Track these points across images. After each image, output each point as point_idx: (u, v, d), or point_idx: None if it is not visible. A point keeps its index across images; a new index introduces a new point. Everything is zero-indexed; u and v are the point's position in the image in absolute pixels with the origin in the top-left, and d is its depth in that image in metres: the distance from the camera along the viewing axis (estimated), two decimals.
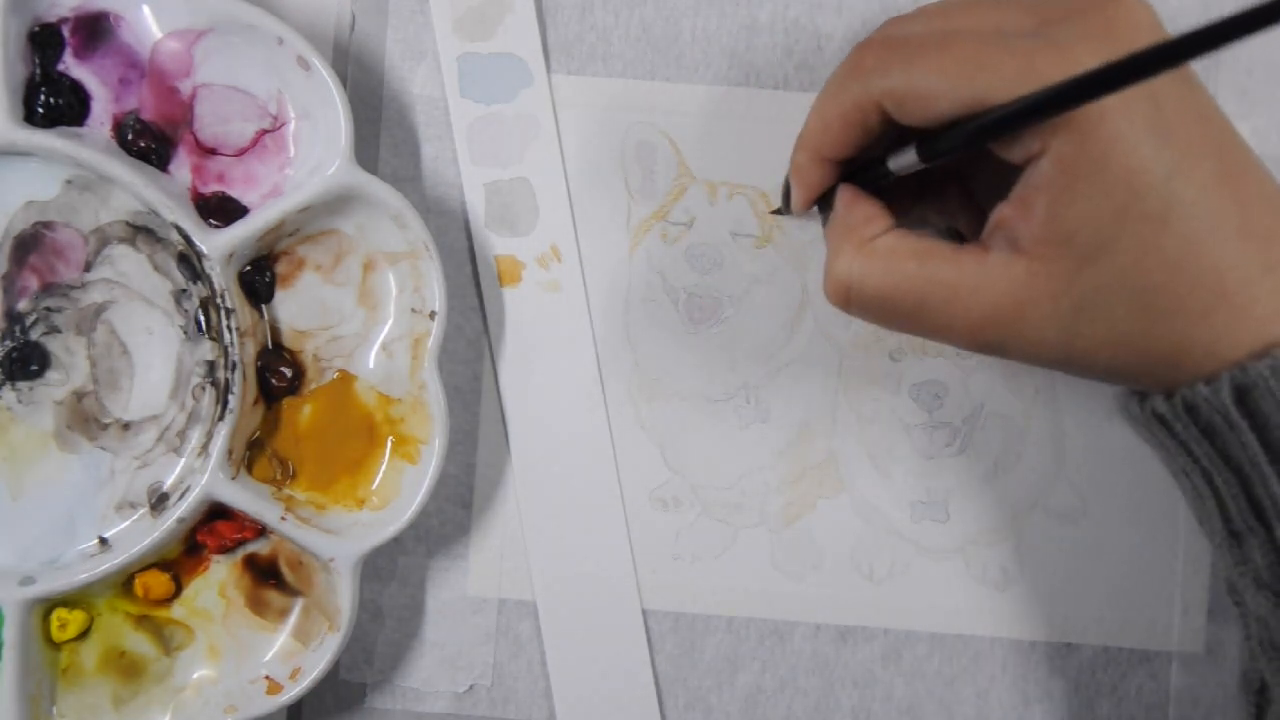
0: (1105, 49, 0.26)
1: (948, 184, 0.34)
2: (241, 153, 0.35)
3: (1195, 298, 0.28)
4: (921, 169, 0.30)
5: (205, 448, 0.35)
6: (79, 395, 0.35)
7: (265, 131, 0.35)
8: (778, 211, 0.37)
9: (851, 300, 0.30)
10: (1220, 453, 0.29)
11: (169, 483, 0.35)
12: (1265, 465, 0.28)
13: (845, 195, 0.32)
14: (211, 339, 0.35)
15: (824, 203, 0.33)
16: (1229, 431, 0.29)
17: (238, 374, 0.34)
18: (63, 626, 0.35)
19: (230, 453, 0.34)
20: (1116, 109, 0.27)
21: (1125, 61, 0.23)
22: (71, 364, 0.35)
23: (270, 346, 0.36)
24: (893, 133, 0.30)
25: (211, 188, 0.35)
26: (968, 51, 0.27)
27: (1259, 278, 0.28)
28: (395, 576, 0.38)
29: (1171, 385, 0.29)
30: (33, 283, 0.35)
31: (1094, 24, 0.27)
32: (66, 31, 0.34)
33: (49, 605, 0.35)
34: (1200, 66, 0.37)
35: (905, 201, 0.34)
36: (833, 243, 0.31)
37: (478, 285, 0.38)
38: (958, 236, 0.34)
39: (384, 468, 0.36)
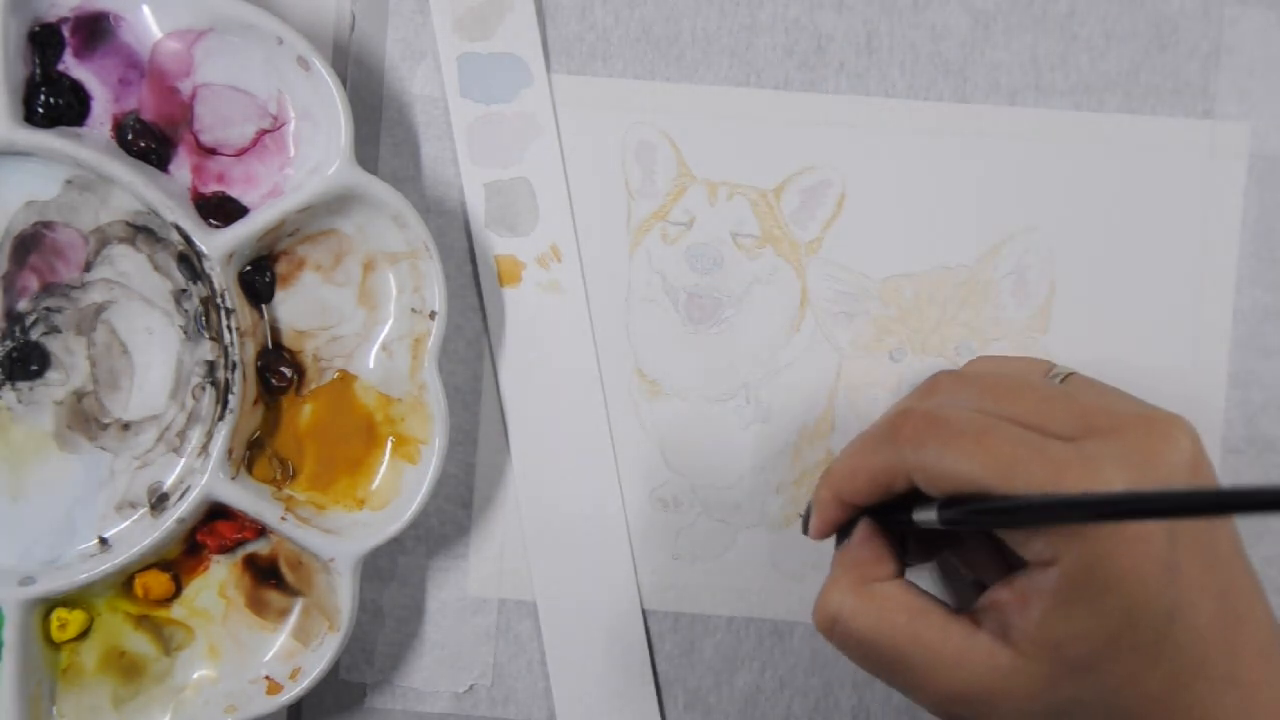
0: (1138, 479, 0.27)
1: (975, 535, 0.34)
2: (241, 153, 0.35)
3: None
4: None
5: (205, 448, 0.35)
6: (79, 395, 0.35)
7: (265, 131, 0.35)
8: (804, 528, 0.35)
9: (835, 632, 0.31)
10: None
11: (169, 483, 0.35)
12: None
13: (864, 530, 0.32)
14: (211, 339, 0.35)
15: (844, 531, 0.33)
16: None
17: (238, 374, 0.34)
18: (63, 626, 0.35)
19: (230, 453, 0.34)
20: (1132, 539, 0.27)
21: (1142, 497, 0.24)
22: (71, 364, 0.35)
23: (270, 346, 0.36)
24: (918, 492, 0.30)
25: (211, 188, 0.35)
26: (1003, 449, 0.27)
27: None
28: (395, 576, 0.38)
29: None
30: (33, 283, 0.35)
31: (1133, 448, 0.27)
32: (66, 31, 0.34)
33: (49, 605, 0.35)
34: (1201, 67, 0.37)
35: (937, 542, 0.35)
36: (834, 572, 0.31)
37: (478, 285, 0.38)
38: (979, 586, 0.33)
39: (384, 468, 0.36)
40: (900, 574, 0.31)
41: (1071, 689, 0.28)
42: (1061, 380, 0.32)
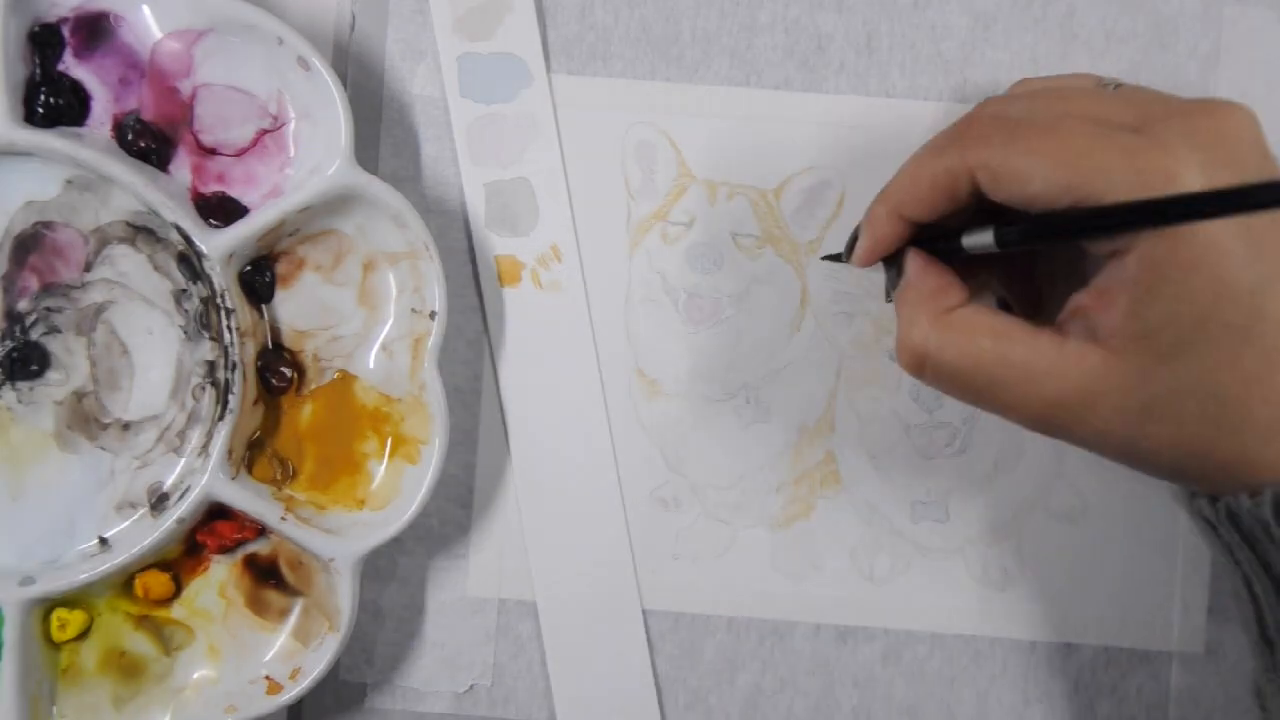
0: (1210, 159, 0.26)
1: (1009, 256, 0.33)
2: (241, 153, 0.35)
3: (1265, 414, 0.27)
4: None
5: (205, 448, 0.35)
6: (79, 395, 0.35)
7: (265, 131, 0.35)
8: (832, 257, 0.36)
9: (926, 369, 0.30)
10: (1260, 561, 0.29)
11: (169, 483, 0.35)
12: None
13: (918, 261, 0.31)
14: (211, 339, 0.35)
15: (888, 264, 0.33)
16: (1269, 543, 0.28)
17: (238, 374, 0.34)
18: (63, 626, 0.35)
19: (230, 453, 0.34)
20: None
21: (1239, 191, 0.23)
22: (71, 364, 0.35)
23: (270, 346, 0.36)
24: (974, 207, 0.30)
25: (211, 188, 0.35)
26: (1073, 139, 0.27)
27: None
28: (395, 576, 0.38)
29: (1227, 491, 0.29)
30: (33, 283, 0.35)
31: (1199, 129, 0.27)
32: (66, 31, 0.34)
33: (49, 605, 0.35)
34: (1201, 67, 0.37)
35: (971, 267, 0.33)
36: (906, 310, 0.31)
37: (478, 285, 0.38)
38: (1005, 307, 0.33)
39: (384, 468, 0.36)
40: (968, 299, 0.30)
41: (1166, 378, 0.27)
42: (1114, 89, 0.32)
